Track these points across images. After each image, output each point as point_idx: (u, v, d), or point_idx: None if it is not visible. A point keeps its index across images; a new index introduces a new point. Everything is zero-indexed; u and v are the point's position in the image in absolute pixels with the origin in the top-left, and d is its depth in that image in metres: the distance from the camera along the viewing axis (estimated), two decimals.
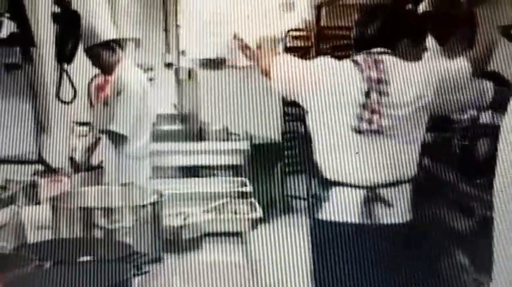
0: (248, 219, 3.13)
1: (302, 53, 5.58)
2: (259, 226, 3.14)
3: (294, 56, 5.44)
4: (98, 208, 2.72)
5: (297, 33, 5.63)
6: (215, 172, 4.78)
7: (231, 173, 4.67)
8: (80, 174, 3.14)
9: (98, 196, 2.84)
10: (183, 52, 5.67)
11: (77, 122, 4.18)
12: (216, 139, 5.11)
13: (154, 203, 2.80)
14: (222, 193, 3.37)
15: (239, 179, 3.60)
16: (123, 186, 3.30)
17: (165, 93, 5.38)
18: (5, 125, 3.20)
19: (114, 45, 4.05)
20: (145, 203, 2.80)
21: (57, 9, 3.38)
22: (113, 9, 5.34)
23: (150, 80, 5.53)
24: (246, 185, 3.51)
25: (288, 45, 5.61)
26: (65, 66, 3.41)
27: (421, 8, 3.68)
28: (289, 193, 5.34)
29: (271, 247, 3.16)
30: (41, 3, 3.35)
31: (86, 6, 3.93)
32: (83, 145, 3.36)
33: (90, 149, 3.29)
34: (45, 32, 3.35)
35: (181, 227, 2.90)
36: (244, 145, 4.92)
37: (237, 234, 3.09)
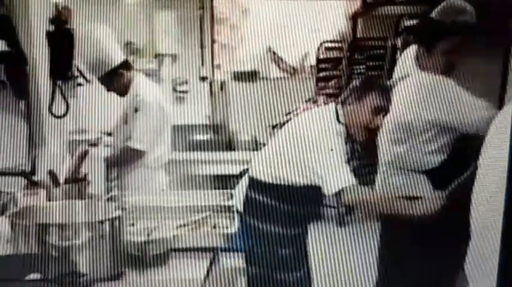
0: (223, 234, 2.92)
1: (334, 64, 5.37)
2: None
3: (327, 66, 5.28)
4: (53, 225, 2.60)
5: (331, 45, 5.41)
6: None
7: None
8: (61, 187, 3.02)
9: (58, 211, 2.70)
10: (217, 66, 5.58)
11: (105, 132, 4.13)
12: (245, 149, 4.95)
13: (113, 219, 2.65)
14: (205, 206, 3.17)
15: (228, 191, 3.39)
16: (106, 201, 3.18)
17: (199, 104, 5.29)
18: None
19: (122, 70, 3.95)
20: (103, 218, 2.64)
21: (51, 28, 3.29)
22: (152, 28, 5.32)
23: (183, 92, 5.45)
24: (231, 198, 3.29)
25: (321, 56, 5.42)
26: (58, 82, 3.33)
27: None
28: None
29: None
30: (34, 22, 3.28)
31: (90, 37, 3.86)
32: (72, 158, 3.25)
33: (78, 162, 3.17)
34: (38, 51, 3.28)
35: (145, 242, 2.72)
36: None
37: (209, 249, 2.89)
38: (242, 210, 3.16)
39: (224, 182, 4.51)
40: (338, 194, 2.94)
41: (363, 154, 3.16)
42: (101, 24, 3.80)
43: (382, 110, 3.09)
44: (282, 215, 3.09)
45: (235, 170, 4.64)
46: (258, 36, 4.75)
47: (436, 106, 3.07)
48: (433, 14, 3.50)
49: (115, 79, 3.88)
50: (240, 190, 3.25)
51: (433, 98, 3.06)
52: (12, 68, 3.21)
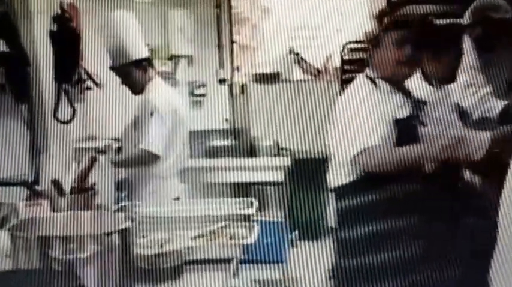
0: (240, 245, 2.86)
1: (359, 65, 5.28)
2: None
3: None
4: (56, 237, 2.56)
5: (355, 46, 5.33)
6: (265, 188, 4.57)
7: (279, 189, 4.46)
8: (66, 197, 2.99)
9: (61, 223, 2.66)
10: (237, 68, 5.54)
11: (112, 139, 4.11)
12: (267, 155, 4.89)
13: (122, 230, 2.60)
14: (222, 215, 3.12)
15: (247, 199, 3.33)
16: (116, 211, 3.14)
17: (217, 109, 5.25)
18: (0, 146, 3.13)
19: (146, 64, 3.95)
20: (111, 230, 2.60)
21: (54, 27, 3.27)
22: (167, 28, 5.31)
23: (201, 96, 5.42)
24: (252, 206, 3.23)
25: (345, 58, 5.35)
26: (63, 85, 3.30)
27: None
28: None
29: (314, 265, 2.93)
30: (37, 21, 3.25)
31: (118, 23, 3.86)
32: (78, 166, 3.22)
33: (85, 171, 3.14)
34: (41, 51, 3.25)
35: (157, 255, 2.67)
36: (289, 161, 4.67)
37: (226, 261, 2.83)
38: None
39: (245, 190, 4.47)
40: None
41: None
42: (130, 12, 3.80)
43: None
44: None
45: (256, 177, 4.59)
46: (280, 37, 4.73)
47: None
48: (466, 14, 3.53)
49: (134, 73, 3.86)
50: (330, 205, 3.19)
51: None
52: (13, 70, 3.18)
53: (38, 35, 3.27)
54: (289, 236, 3.77)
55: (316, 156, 4.84)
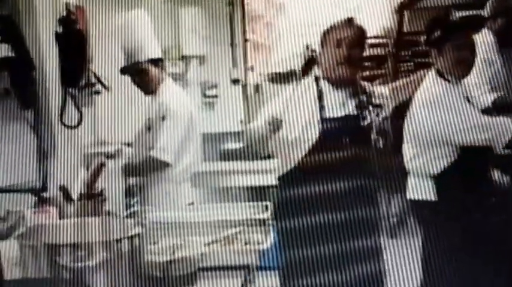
0: (255, 250, 2.80)
1: (378, 62, 5.22)
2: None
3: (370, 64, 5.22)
4: (64, 245, 2.52)
5: (374, 41, 5.25)
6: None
7: None
8: (74, 204, 2.95)
9: (70, 230, 2.63)
10: (251, 67, 5.48)
11: (125, 143, 4.07)
12: None
13: (133, 237, 2.56)
14: (236, 220, 3.06)
15: (262, 203, 3.27)
16: (125, 217, 3.10)
17: (230, 110, 5.19)
18: (6, 153, 3.10)
19: (159, 64, 3.93)
20: (121, 236, 2.56)
21: (60, 30, 3.23)
22: (179, 27, 5.26)
23: (213, 97, 5.37)
24: (266, 210, 3.18)
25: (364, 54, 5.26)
26: (70, 89, 3.26)
27: None
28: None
29: None
30: (41, 23, 3.22)
31: (132, 23, 3.85)
32: (86, 172, 3.18)
33: (93, 176, 3.10)
34: (47, 54, 3.21)
35: (169, 262, 2.62)
36: None
37: (241, 268, 2.78)
38: None
39: (260, 193, 4.40)
40: None
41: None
42: (144, 11, 3.79)
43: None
44: None
45: (273, 180, 4.52)
46: (295, 34, 4.66)
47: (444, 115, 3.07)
48: (488, 5, 3.51)
49: (149, 71, 3.84)
50: None
51: (441, 106, 3.06)
52: (18, 74, 3.15)
53: (43, 38, 3.25)
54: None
55: None
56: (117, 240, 2.47)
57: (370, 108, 3.12)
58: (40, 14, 3.32)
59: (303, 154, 3.10)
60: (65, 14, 3.14)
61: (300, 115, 3.09)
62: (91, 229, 2.64)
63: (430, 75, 3.28)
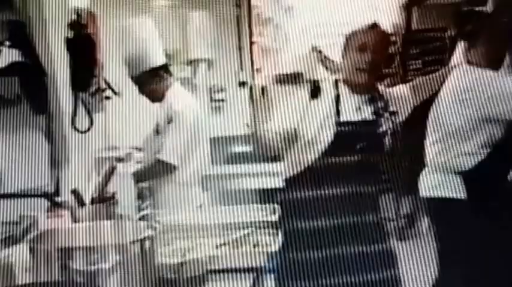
0: (264, 252, 2.82)
1: (388, 60, 5.18)
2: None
3: None
4: (77, 248, 2.54)
5: None
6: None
7: None
8: (86, 207, 2.97)
9: (82, 233, 2.64)
10: (257, 70, 5.48)
11: (135, 147, 4.09)
12: None
13: (144, 239, 2.58)
14: (245, 222, 3.08)
15: (270, 205, 3.29)
16: (138, 220, 3.12)
17: (237, 113, 5.21)
18: (19, 158, 3.12)
19: (163, 72, 3.93)
20: (134, 239, 2.58)
21: (70, 35, 3.25)
22: (186, 32, 5.27)
23: (220, 101, 5.38)
24: (275, 213, 3.19)
25: None
26: (81, 94, 3.29)
27: None
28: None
29: None
30: (51, 28, 3.24)
31: (134, 32, 3.85)
32: (97, 176, 3.20)
33: (104, 180, 3.12)
34: (57, 59, 3.23)
35: (180, 264, 2.65)
36: None
37: (250, 270, 2.79)
38: None
39: (269, 196, 4.41)
40: None
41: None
42: (147, 19, 3.78)
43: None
44: None
45: (279, 183, 4.53)
46: (302, 35, 4.66)
47: (480, 101, 3.03)
48: (490, 1, 3.48)
49: (152, 81, 3.85)
50: None
51: (477, 93, 3.03)
52: (30, 80, 3.18)
53: (53, 44, 3.26)
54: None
55: None
56: (130, 242, 2.49)
57: (386, 115, 3.11)
58: (50, 19, 3.33)
59: (316, 156, 3.08)
60: (75, 18, 3.16)
61: (316, 118, 3.08)
62: (104, 232, 2.66)
63: (460, 69, 3.26)
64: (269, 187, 4.52)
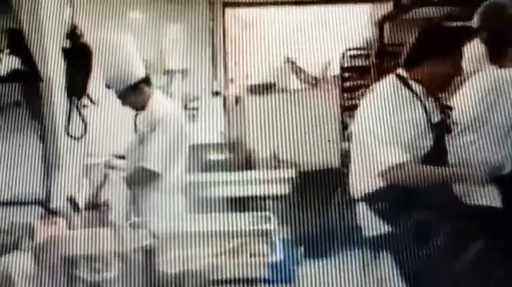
0: (266, 263, 2.80)
1: (360, 72, 5.28)
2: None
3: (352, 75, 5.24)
4: (81, 256, 2.49)
5: (356, 52, 5.32)
6: (264, 202, 4.52)
7: (281, 203, 4.40)
8: (81, 214, 2.92)
9: (84, 240, 2.59)
10: (231, 80, 5.50)
11: (115, 155, 4.04)
12: (265, 167, 4.84)
13: (147, 246, 2.55)
14: (240, 231, 3.06)
15: (263, 213, 3.28)
16: (128, 227, 3.07)
17: (211, 122, 5.22)
18: (11, 164, 3.05)
19: (143, 85, 3.92)
20: (136, 246, 2.54)
21: (67, 44, 3.22)
22: (161, 42, 5.26)
23: (194, 109, 5.37)
24: (269, 221, 3.18)
25: (345, 65, 5.32)
26: (75, 100, 3.26)
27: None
28: (351, 224, 4.90)
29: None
30: (48, 38, 3.19)
31: (114, 49, 3.83)
32: (91, 183, 3.16)
33: (98, 187, 3.08)
34: (54, 67, 3.19)
35: (182, 273, 2.62)
36: (294, 173, 4.62)
37: (252, 281, 2.77)
38: None
39: (243, 204, 4.41)
40: None
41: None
42: (126, 35, 3.77)
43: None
44: None
45: (255, 190, 4.54)
46: (275, 46, 4.70)
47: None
48: (475, 17, 3.50)
49: (134, 94, 3.83)
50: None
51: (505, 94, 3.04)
52: (27, 87, 3.13)
53: (49, 51, 3.21)
54: (295, 254, 3.71)
55: (320, 167, 4.80)
56: (131, 250, 2.46)
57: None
58: (46, 27, 3.28)
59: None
60: (71, 28, 3.14)
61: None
62: (104, 239, 2.62)
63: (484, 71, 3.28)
64: (245, 195, 4.52)
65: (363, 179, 3.09)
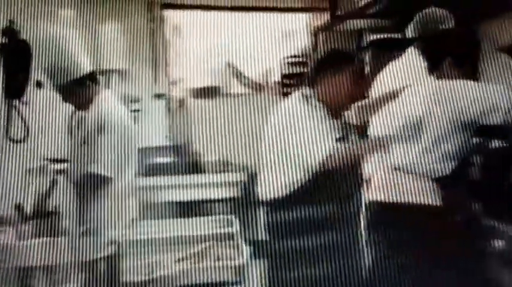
0: (232, 266, 2.61)
1: (299, 79, 5.28)
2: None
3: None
4: (37, 268, 2.24)
5: (294, 60, 5.31)
6: (213, 206, 4.35)
7: (230, 207, 4.25)
8: (29, 223, 2.65)
9: (41, 250, 2.34)
10: (173, 82, 5.33)
11: (52, 159, 3.76)
12: (212, 171, 4.67)
13: (110, 256, 2.31)
14: (204, 235, 2.86)
15: (225, 217, 3.09)
16: (81, 235, 2.81)
17: (155, 125, 5.00)
18: None
19: (88, 81, 3.65)
20: (98, 256, 2.30)
21: (4, 40, 2.95)
22: (96, 40, 5.00)
23: (135, 111, 5.13)
24: (232, 225, 3.00)
25: (285, 72, 5.30)
26: (14, 102, 2.98)
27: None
28: None
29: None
30: None
31: (57, 39, 3.57)
32: (37, 189, 2.89)
33: (46, 193, 2.81)
34: None
35: (148, 281, 2.39)
36: (243, 176, 4.47)
37: (219, 285, 2.58)
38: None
39: (192, 208, 4.23)
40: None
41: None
42: (70, 28, 3.52)
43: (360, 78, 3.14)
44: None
45: (204, 194, 4.35)
46: (216, 50, 4.56)
47: (455, 105, 2.98)
48: (410, 27, 3.49)
49: (78, 90, 3.55)
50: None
51: (452, 98, 2.99)
52: None
53: None
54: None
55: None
56: (93, 260, 2.22)
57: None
58: None
59: None
60: (8, 24, 2.88)
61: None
62: (60, 249, 2.37)
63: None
64: (194, 199, 4.34)
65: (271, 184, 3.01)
